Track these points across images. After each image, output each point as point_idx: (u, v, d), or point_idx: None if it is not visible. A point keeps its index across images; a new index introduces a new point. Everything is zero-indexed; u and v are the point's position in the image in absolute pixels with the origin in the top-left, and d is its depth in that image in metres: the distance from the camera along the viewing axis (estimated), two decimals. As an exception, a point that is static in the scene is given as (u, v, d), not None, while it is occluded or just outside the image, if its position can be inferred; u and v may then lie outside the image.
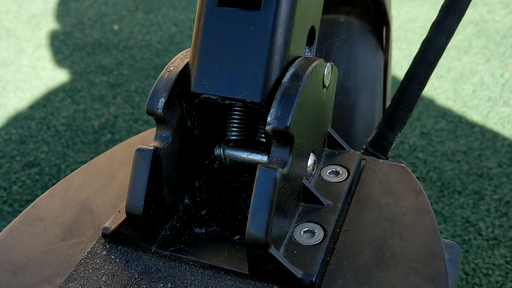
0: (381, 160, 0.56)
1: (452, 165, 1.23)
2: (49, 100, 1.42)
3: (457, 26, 0.57)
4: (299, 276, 0.41)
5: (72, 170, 1.18)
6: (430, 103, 1.50)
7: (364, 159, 0.56)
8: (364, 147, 0.60)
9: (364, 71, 0.70)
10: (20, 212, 1.01)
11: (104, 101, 1.43)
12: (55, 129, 1.31)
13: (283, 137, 0.43)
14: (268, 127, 0.42)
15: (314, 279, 0.41)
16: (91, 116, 1.36)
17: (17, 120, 1.35)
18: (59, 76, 1.55)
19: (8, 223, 1.03)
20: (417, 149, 1.29)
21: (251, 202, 0.41)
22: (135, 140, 0.64)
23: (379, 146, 0.59)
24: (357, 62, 0.69)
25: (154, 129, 0.61)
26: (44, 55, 1.68)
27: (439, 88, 1.57)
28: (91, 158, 1.21)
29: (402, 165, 0.55)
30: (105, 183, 0.56)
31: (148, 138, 0.63)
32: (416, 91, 0.58)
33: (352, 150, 0.55)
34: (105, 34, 1.79)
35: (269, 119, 0.42)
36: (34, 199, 1.08)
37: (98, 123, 1.34)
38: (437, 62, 0.58)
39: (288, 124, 0.42)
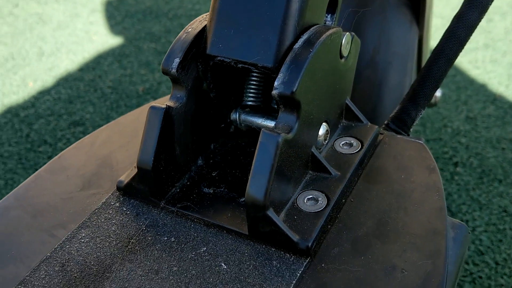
0: (399, 136, 0.55)
1: (495, 152, 1.18)
2: (98, 64, 1.47)
3: (491, 1, 0.54)
4: (295, 240, 0.42)
5: (113, 132, 1.22)
6: (481, 87, 1.44)
7: (382, 134, 0.55)
8: (385, 122, 0.59)
9: (396, 45, 0.68)
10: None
11: (150, 67, 1.47)
12: (102, 91, 1.36)
13: (289, 102, 0.43)
14: (274, 92, 0.43)
15: (310, 244, 0.42)
16: (136, 81, 1.40)
17: (67, 80, 1.41)
18: (110, 41, 1.60)
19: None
20: (460, 133, 1.25)
21: (253, 164, 0.42)
22: (162, 101, 0.66)
23: (401, 122, 0.58)
24: (389, 36, 0.68)
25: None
26: (98, 20, 1.73)
27: (492, 72, 1.50)
28: (133, 121, 1.25)
29: (420, 142, 0.54)
30: (128, 141, 0.59)
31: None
32: (443, 67, 0.56)
33: (369, 124, 0.55)
34: (157, 2, 1.83)
35: (276, 83, 0.42)
36: (75, 156, 1.13)
37: (142, 88, 1.38)
38: (468, 38, 0.56)
39: (294, 90, 0.42)
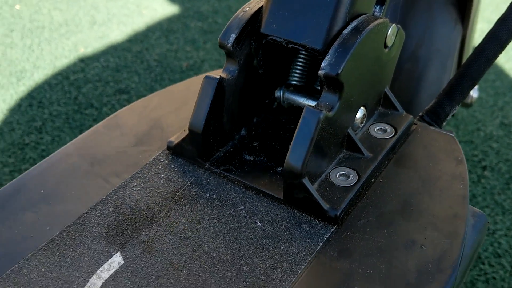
0: (431, 127, 0.59)
1: (526, 160, 1.19)
2: (146, 37, 1.53)
3: None
4: (325, 208, 0.46)
5: (156, 102, 1.28)
6: (520, 95, 1.43)
7: (415, 124, 0.59)
8: (420, 114, 0.63)
9: (438, 43, 0.71)
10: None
11: (195, 45, 1.52)
12: (148, 63, 1.42)
13: (333, 83, 0.47)
14: (320, 72, 0.47)
15: (338, 213, 0.46)
16: (181, 57, 1.46)
17: (116, 50, 1.47)
18: (159, 16, 1.66)
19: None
20: (492, 138, 1.26)
21: (294, 136, 0.46)
22: (215, 73, 0.71)
23: (435, 115, 0.62)
24: (432, 33, 0.70)
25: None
26: (149, -5, 1.79)
27: (533, 82, 1.49)
28: (175, 95, 1.31)
29: (451, 135, 0.57)
30: (177, 107, 0.64)
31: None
32: (482, 66, 0.59)
33: (404, 113, 0.58)
34: (207, -17, 1.87)
35: (322, 64, 0.46)
36: (119, 121, 1.20)
37: (186, 64, 1.43)
38: (509, 41, 0.59)
39: (339, 72, 0.46)
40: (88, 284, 0.43)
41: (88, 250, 0.45)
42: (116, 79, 1.34)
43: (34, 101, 1.26)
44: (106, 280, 0.43)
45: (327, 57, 0.47)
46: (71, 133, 1.16)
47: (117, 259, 0.45)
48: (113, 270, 0.44)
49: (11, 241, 0.47)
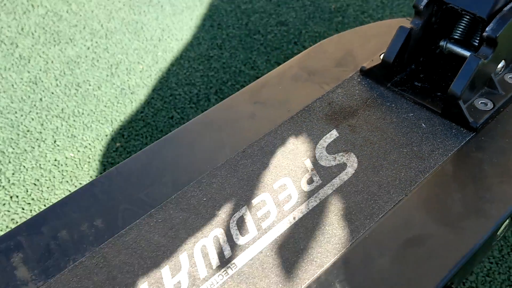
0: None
1: None
2: (300, -23, 1.78)
3: None
4: (470, 120, 0.72)
5: (309, 37, 1.55)
6: None
7: (540, 78, 0.81)
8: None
9: None
10: (266, 54, 1.43)
11: (342, -11, 1.74)
12: (302, 2, 1.68)
13: (491, 42, 0.71)
14: (484, 33, 0.71)
15: (478, 125, 0.72)
16: (330, -1, 1.70)
17: (276, -13, 1.74)
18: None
19: (262, 59, 1.46)
20: None
21: (459, 72, 0.72)
22: (386, 23, 0.96)
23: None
24: None
25: (396, 20, 0.93)
26: None
27: None
28: (324, 32, 1.57)
29: None
30: (362, 44, 0.90)
31: (392, 25, 0.94)
32: None
33: (533, 69, 0.81)
34: None
35: (487, 29, 0.70)
36: (282, 48, 1.49)
37: (334, 6, 1.67)
38: None
39: (498, 35, 0.70)
40: (318, 145, 0.73)
41: (314, 126, 0.75)
42: (277, 12, 1.62)
43: (215, 23, 1.58)
44: (328, 143, 0.73)
45: (491, 24, 0.70)
46: (244, 52, 1.47)
47: (334, 133, 0.74)
48: (332, 139, 0.73)
49: (254, 126, 0.78)
